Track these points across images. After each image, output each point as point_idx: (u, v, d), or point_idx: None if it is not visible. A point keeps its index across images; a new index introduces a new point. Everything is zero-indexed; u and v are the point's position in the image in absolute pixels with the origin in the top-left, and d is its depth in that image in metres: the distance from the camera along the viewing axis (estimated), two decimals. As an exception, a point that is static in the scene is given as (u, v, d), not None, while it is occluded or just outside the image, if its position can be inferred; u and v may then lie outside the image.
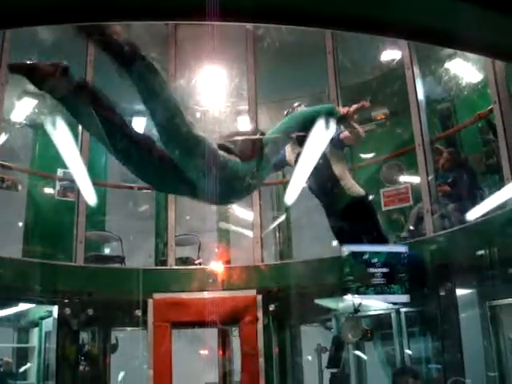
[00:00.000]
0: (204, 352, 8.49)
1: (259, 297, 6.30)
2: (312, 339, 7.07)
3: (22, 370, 7.84)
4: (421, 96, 6.59)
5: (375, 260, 5.34)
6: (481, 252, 5.52)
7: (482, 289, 6.23)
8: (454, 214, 6.34)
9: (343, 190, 4.76)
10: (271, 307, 6.34)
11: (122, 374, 7.56)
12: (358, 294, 5.68)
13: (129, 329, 7.78)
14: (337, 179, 4.82)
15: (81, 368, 6.97)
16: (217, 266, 6.56)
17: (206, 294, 6.35)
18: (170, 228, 6.84)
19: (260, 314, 6.25)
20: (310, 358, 7.38)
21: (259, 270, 6.63)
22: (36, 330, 7.71)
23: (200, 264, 7.12)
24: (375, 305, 7.14)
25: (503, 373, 6.20)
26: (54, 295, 6.23)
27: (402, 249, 5.59)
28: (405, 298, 5.66)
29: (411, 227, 6.60)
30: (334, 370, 6.64)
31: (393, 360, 7.25)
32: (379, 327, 7.42)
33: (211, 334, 7.62)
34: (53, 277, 6.23)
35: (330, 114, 3.94)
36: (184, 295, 6.32)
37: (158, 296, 6.30)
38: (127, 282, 6.19)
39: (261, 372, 6.25)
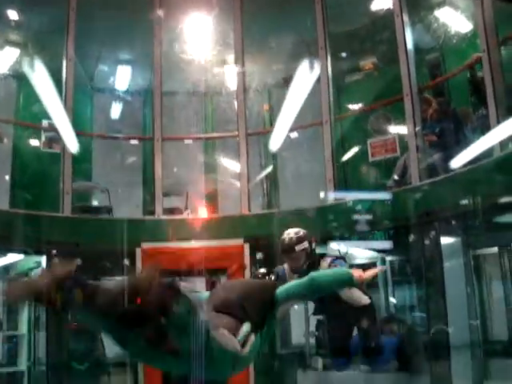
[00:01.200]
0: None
1: (246, 245, 6.35)
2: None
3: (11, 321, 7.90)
4: (410, 45, 6.52)
5: (360, 207, 5.38)
6: (466, 201, 5.57)
7: (467, 238, 6.30)
8: (440, 164, 6.36)
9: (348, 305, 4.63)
10: (258, 255, 6.40)
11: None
12: (342, 240, 5.73)
13: (118, 279, 7.85)
14: (344, 301, 4.65)
15: (70, 317, 7.10)
16: (204, 216, 6.58)
17: (193, 243, 6.39)
18: (156, 178, 6.83)
19: (247, 263, 6.30)
20: (296, 306, 7.51)
21: (246, 220, 6.67)
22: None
23: (188, 214, 7.15)
24: (360, 254, 7.24)
25: (485, 321, 6.36)
26: (42, 246, 6.24)
27: (386, 196, 5.62)
28: (388, 245, 5.72)
29: (397, 177, 6.61)
30: (320, 317, 6.75)
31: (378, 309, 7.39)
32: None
33: (199, 285, 7.71)
34: (40, 227, 6.23)
35: (347, 284, 3.83)
36: (171, 245, 6.35)
37: (146, 245, 6.33)
38: (115, 232, 6.18)
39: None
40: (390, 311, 7.42)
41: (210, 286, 7.53)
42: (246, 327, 3.28)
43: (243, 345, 3.15)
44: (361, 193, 5.31)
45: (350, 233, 5.74)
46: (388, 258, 7.39)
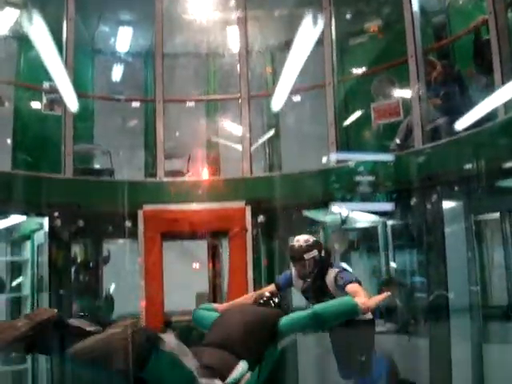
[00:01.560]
0: (195, 266, 8.65)
1: (248, 208, 6.35)
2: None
3: (15, 282, 7.97)
4: (415, 6, 6.40)
5: (362, 169, 5.35)
6: (469, 165, 5.54)
7: (469, 202, 6.28)
8: (443, 128, 6.31)
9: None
10: (260, 218, 6.41)
11: (113, 286, 7.75)
12: (344, 202, 5.72)
13: (120, 241, 7.91)
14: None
15: (73, 278, 7.17)
16: (206, 178, 6.57)
17: (195, 206, 6.40)
18: (158, 141, 6.80)
19: (249, 225, 6.31)
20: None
21: (248, 182, 6.66)
22: (28, 243, 7.80)
23: (189, 177, 7.14)
24: (362, 218, 7.24)
25: (485, 287, 6.38)
26: (44, 208, 6.25)
27: (388, 158, 5.59)
28: (390, 207, 5.71)
29: (399, 140, 6.57)
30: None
31: (379, 272, 7.44)
32: (366, 240, 7.56)
33: (201, 248, 7.75)
34: (42, 189, 6.23)
35: (352, 314, 3.89)
36: (173, 206, 6.35)
37: (147, 207, 6.34)
38: (117, 194, 6.20)
39: (249, 283, 6.38)
40: (390, 274, 7.45)
41: (212, 249, 7.60)
42: (243, 366, 3.40)
43: None
44: (363, 154, 5.26)
45: (351, 195, 5.72)
46: (389, 222, 7.41)
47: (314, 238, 4.48)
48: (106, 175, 7.38)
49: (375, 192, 5.56)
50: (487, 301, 6.41)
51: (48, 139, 7.40)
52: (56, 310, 2.86)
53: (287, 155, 8.24)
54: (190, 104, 7.82)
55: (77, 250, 7.62)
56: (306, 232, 7.68)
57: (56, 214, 6.26)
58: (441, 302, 5.71)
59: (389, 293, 3.86)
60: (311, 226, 7.10)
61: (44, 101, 7.71)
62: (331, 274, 4.37)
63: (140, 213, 6.34)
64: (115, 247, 8.01)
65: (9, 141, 7.90)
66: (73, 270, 7.16)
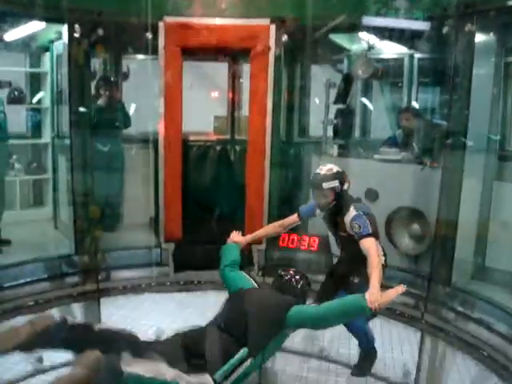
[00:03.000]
0: (214, 94, 8.61)
1: (272, 26, 6.11)
2: (322, 80, 7.07)
3: (35, 97, 8.01)
4: None
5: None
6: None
7: (503, 39, 6.01)
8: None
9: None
10: (284, 38, 6.20)
11: (133, 107, 7.76)
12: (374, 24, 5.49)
13: (140, 57, 7.79)
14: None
15: (93, 93, 7.17)
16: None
17: (218, 21, 6.18)
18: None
19: (272, 44, 6.11)
20: (317, 99, 7.50)
21: (275, -1, 6.33)
22: (47, 55, 7.72)
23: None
24: (389, 49, 7.03)
25: (504, 140, 6.31)
26: (65, 12, 6.03)
27: None
28: (424, 26, 5.45)
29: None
30: (341, 106, 6.77)
31: (399, 105, 7.35)
32: (390, 72, 7.40)
33: (222, 74, 7.65)
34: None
35: (361, 314, 3.66)
36: (196, 20, 6.14)
37: (169, 19, 6.13)
38: (138, 3, 5.95)
39: (268, 108, 6.33)
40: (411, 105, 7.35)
41: (232, 75, 7.49)
42: (241, 353, 3.40)
43: (225, 378, 3.29)
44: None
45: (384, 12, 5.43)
46: (416, 55, 7.19)
47: (338, 169, 4.23)
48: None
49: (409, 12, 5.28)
50: (504, 145, 6.35)
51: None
52: (56, 317, 3.04)
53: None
54: None
55: (96, 65, 7.54)
56: (330, 59, 7.62)
57: (76, 20, 6.06)
58: (458, 145, 5.68)
59: (403, 287, 3.51)
60: (337, 53, 6.91)
61: None
62: (347, 219, 4.14)
63: (161, 24, 6.13)
64: (135, 65, 7.92)
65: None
66: (92, 84, 7.13)
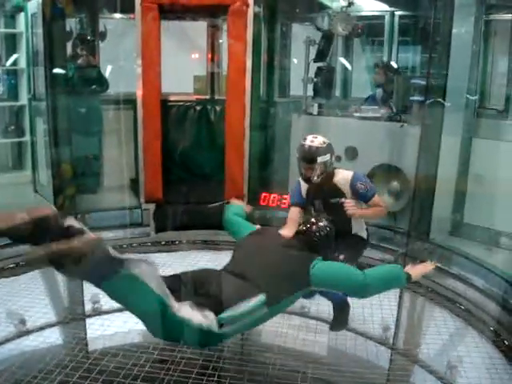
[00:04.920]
0: (194, 54, 8.48)
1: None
2: (301, 38, 6.98)
3: (10, 59, 7.83)
4: None
5: None
6: None
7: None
8: None
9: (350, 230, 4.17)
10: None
11: (109, 68, 7.61)
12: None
13: (117, 16, 7.62)
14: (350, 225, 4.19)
15: (70, 53, 7.01)
16: None
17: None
18: None
19: (251, 1, 6.00)
20: (297, 58, 7.42)
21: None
22: (22, 15, 7.52)
23: None
24: (370, 5, 6.95)
25: (482, 98, 6.31)
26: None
27: None
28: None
29: None
30: (321, 64, 6.71)
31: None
32: (370, 29, 7.33)
33: (201, 34, 7.51)
34: None
35: (399, 284, 3.55)
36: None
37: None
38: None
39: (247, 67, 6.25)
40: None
41: (211, 34, 7.37)
42: (258, 299, 3.02)
43: (232, 321, 2.92)
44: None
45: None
46: (397, 13, 7.13)
47: (328, 141, 4.00)
48: None
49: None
50: (483, 103, 6.35)
51: None
52: (56, 210, 2.80)
53: None
54: None
55: (72, 25, 7.37)
56: (310, 16, 7.52)
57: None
58: (437, 103, 5.67)
59: (434, 263, 3.45)
60: (317, 10, 6.81)
61: None
62: (339, 175, 4.05)
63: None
64: (112, 25, 7.75)
65: None
66: (69, 45, 6.98)
